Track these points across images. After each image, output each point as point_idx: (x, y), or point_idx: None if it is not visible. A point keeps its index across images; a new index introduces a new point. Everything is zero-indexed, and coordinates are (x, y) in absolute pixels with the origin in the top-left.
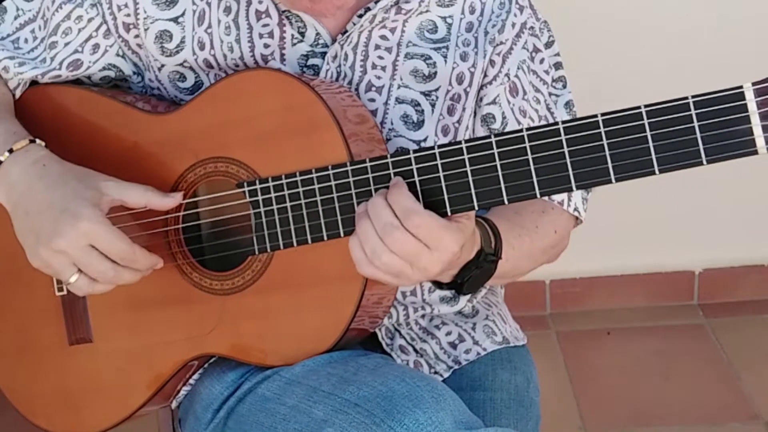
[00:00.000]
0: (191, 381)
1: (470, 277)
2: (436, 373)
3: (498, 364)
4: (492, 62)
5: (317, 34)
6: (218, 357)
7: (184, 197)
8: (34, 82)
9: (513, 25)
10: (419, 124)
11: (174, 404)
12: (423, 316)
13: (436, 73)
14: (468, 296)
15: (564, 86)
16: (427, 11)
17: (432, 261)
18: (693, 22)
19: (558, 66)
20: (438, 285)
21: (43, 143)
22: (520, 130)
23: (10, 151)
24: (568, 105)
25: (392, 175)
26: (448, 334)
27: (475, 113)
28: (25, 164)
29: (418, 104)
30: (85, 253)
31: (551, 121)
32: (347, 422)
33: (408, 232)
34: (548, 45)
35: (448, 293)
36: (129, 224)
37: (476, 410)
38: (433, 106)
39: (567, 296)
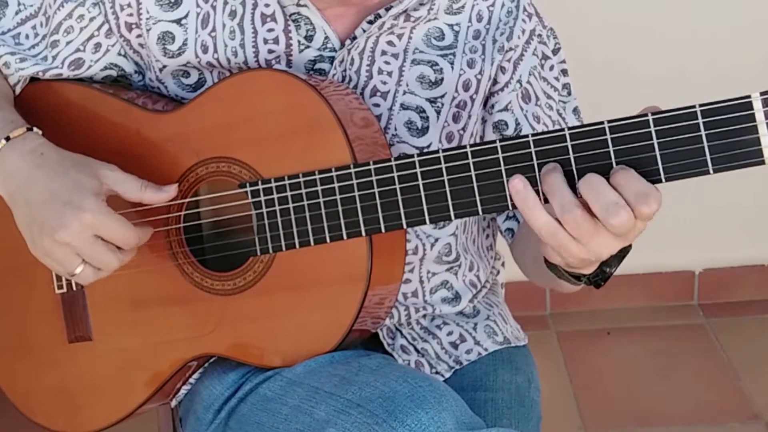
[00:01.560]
0: (191, 380)
1: (617, 265)
2: (437, 373)
3: (499, 364)
4: (502, 69)
5: (326, 37)
6: (219, 357)
7: (185, 196)
8: (34, 79)
9: (523, 31)
10: (423, 131)
11: (174, 403)
12: (424, 316)
13: (442, 79)
14: (470, 297)
15: (569, 93)
16: (434, 19)
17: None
18: (700, 30)
19: (564, 73)
20: (577, 278)
21: (41, 132)
22: (526, 136)
23: (7, 138)
24: (576, 111)
25: (396, 179)
26: (450, 334)
27: (484, 121)
28: (22, 152)
29: (423, 111)
30: (90, 245)
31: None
32: (349, 422)
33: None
34: (555, 52)
35: (449, 294)
36: (136, 209)
37: (477, 410)
38: (438, 113)
39: (567, 296)
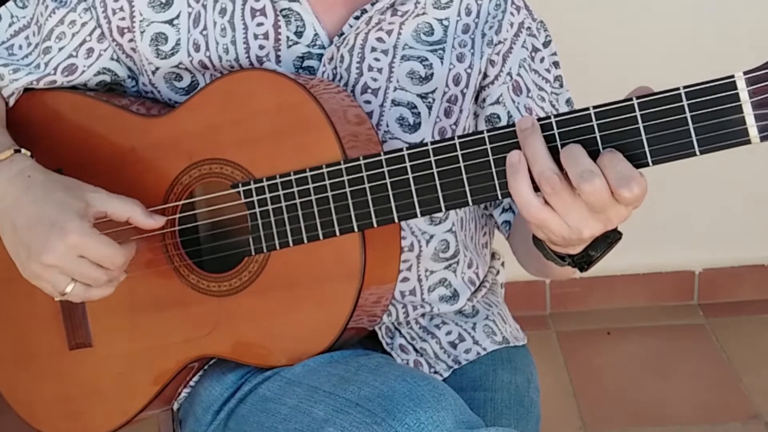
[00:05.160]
0: (191, 383)
1: (603, 250)
2: (435, 372)
3: (498, 364)
4: (492, 62)
5: (315, 34)
6: (218, 358)
7: (179, 199)
8: (29, 89)
9: (511, 24)
10: (415, 127)
11: (175, 406)
12: (423, 315)
13: (432, 74)
14: (468, 295)
15: (561, 85)
16: (423, 14)
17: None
18: (684, 13)
19: (556, 65)
20: (561, 257)
21: (29, 153)
22: (513, 125)
23: None
24: (569, 102)
25: (386, 173)
26: (449, 333)
27: (477, 115)
28: (9, 175)
29: (415, 107)
30: (77, 264)
31: None
32: (348, 422)
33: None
34: (546, 44)
35: (447, 292)
36: (125, 228)
37: (477, 410)
38: (429, 108)
39: (567, 296)
